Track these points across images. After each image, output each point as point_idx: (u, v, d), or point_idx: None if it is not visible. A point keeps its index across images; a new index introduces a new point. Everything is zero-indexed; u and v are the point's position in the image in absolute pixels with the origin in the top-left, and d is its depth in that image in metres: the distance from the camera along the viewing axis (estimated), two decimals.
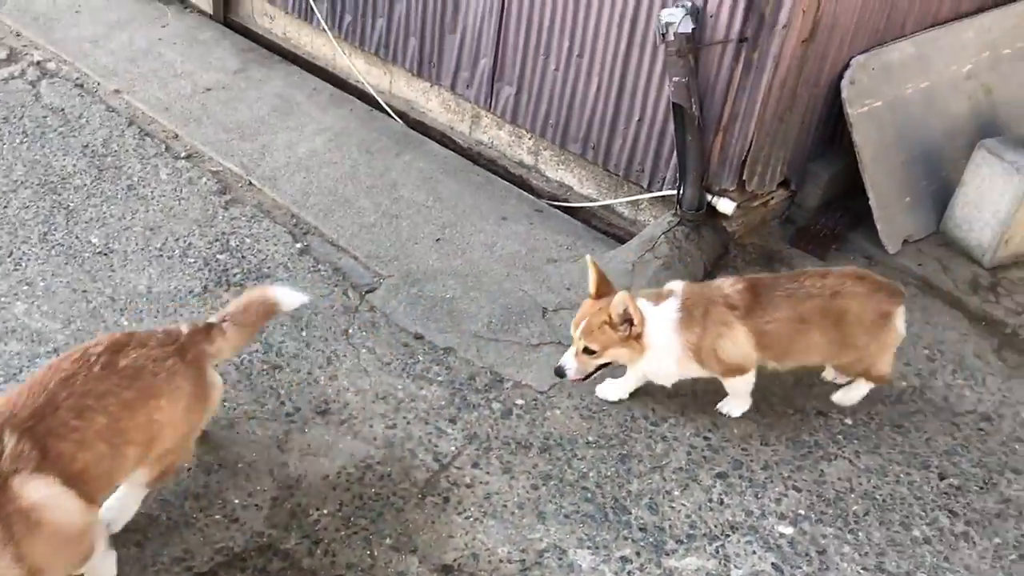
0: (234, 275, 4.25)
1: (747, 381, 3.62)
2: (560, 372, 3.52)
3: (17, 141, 4.96)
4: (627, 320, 3.37)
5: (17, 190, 4.62)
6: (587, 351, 3.45)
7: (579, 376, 3.52)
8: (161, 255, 4.33)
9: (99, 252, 4.31)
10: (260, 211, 4.67)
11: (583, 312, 3.48)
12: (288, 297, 3.31)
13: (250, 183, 4.86)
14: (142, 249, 4.35)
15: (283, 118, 5.36)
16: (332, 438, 3.52)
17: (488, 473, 3.45)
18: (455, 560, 3.14)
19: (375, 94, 5.55)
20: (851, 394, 3.81)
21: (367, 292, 4.26)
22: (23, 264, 4.19)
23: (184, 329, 3.07)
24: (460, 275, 4.38)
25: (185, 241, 4.42)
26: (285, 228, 4.58)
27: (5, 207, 4.50)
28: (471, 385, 3.80)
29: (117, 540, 3.03)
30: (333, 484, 3.35)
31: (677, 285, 3.56)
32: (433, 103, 5.43)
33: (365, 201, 4.80)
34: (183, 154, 5.02)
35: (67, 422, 2.63)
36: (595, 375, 3.57)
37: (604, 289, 3.47)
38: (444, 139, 5.36)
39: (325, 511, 3.25)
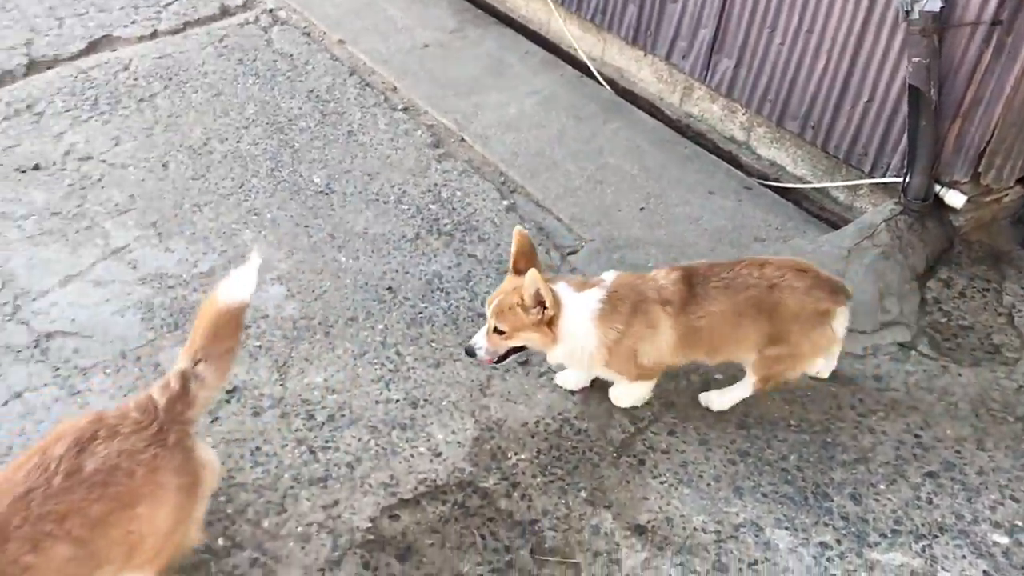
0: (444, 225, 4.37)
1: (647, 388, 3.43)
2: (470, 351, 3.25)
3: (250, 82, 5.25)
4: (540, 303, 3.09)
5: (249, 127, 4.90)
6: (498, 331, 3.19)
7: (490, 357, 3.25)
8: (377, 199, 4.49)
9: (320, 191, 4.51)
10: (470, 167, 4.77)
11: (500, 288, 3.22)
12: (238, 287, 2.65)
13: (462, 139, 4.97)
14: (360, 192, 4.53)
15: (495, 78, 5.45)
16: (531, 388, 3.56)
17: (684, 442, 3.42)
18: (649, 521, 3.13)
19: (587, 60, 5.56)
20: (730, 396, 3.51)
21: (569, 254, 4.29)
22: (252, 196, 4.44)
23: (159, 399, 2.49)
24: (663, 245, 4.34)
25: (400, 188, 4.57)
26: (493, 185, 4.66)
27: (238, 142, 4.78)
28: None
29: (331, 459, 3.19)
30: (532, 432, 3.40)
31: (609, 275, 3.26)
32: (645, 72, 5.39)
33: (571, 165, 4.83)
34: (400, 106, 5.18)
35: (18, 560, 2.12)
36: (509, 358, 3.31)
37: (526, 263, 3.14)
38: (653, 109, 5.31)
39: (523, 456, 3.30)
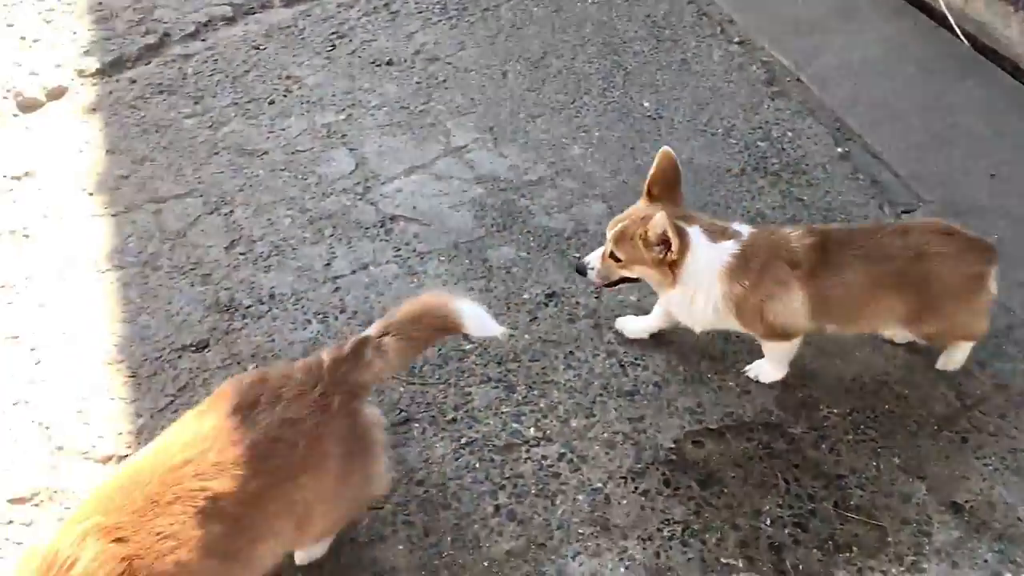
0: (772, 164, 4.24)
1: (789, 348, 3.15)
2: (580, 269, 3.14)
3: (589, 1, 5.30)
4: (665, 242, 2.89)
5: (584, 46, 4.97)
6: (614, 257, 3.04)
7: (600, 280, 3.13)
8: (705, 131, 4.43)
9: (649, 115, 4.52)
10: (805, 108, 4.58)
11: (628, 211, 3.06)
12: (477, 321, 2.55)
13: (798, 79, 4.77)
14: (688, 121, 4.48)
15: (842, 21, 5.16)
16: (850, 345, 3.42)
17: (1016, 428, 3.16)
18: (967, 501, 2.94)
19: (945, 10, 5.13)
20: (955, 357, 3.25)
21: (903, 212, 4.04)
22: (583, 113, 4.52)
23: (325, 358, 2.42)
24: (1013, 218, 3.98)
25: (729, 122, 4.48)
26: (828, 130, 4.46)
27: (573, 59, 4.86)
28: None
29: (640, 376, 3.25)
30: (846, 388, 3.28)
31: (744, 228, 3.05)
32: (1013, 30, 4.90)
33: (915, 120, 4.51)
34: (736, 39, 5.05)
35: (169, 535, 2.06)
36: (619, 285, 3.19)
37: (663, 190, 3.01)
38: (1017, 71, 4.83)
39: (835, 411, 3.20)
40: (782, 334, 3.09)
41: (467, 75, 4.74)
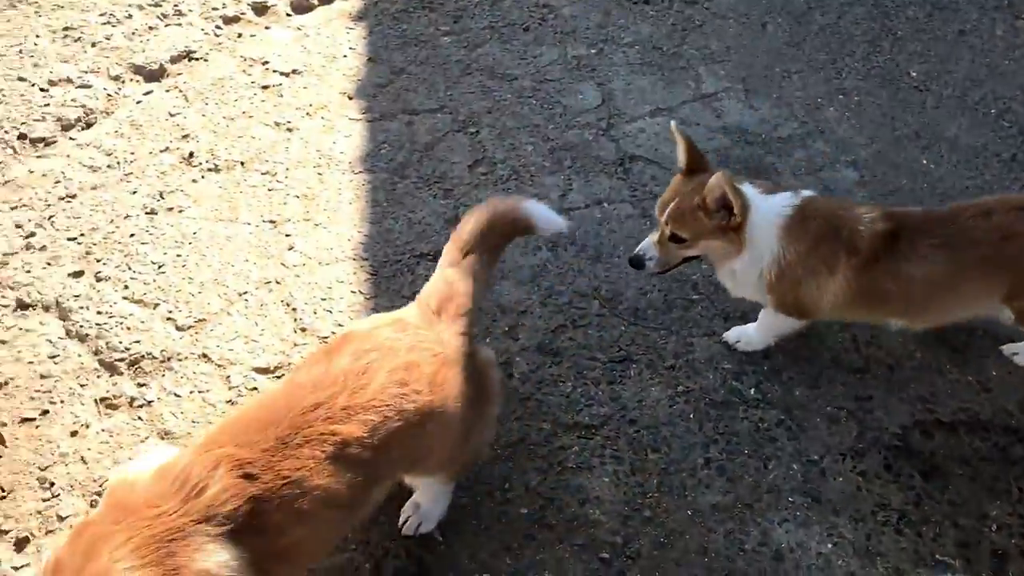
0: None
1: (792, 325, 3.00)
2: (637, 262, 2.89)
3: None
4: (725, 206, 2.67)
5: (853, 5, 4.71)
6: (675, 239, 2.80)
7: (660, 268, 2.92)
8: (976, 109, 4.12)
9: (915, 86, 4.25)
10: None
11: (672, 191, 2.84)
12: (545, 217, 2.62)
13: None
14: (958, 96, 4.18)
15: None
16: None
17: None
18: None
19: None
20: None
21: None
22: (843, 74, 4.30)
23: (431, 301, 2.41)
24: None
25: (1004, 103, 4.15)
26: None
27: (840, 17, 4.63)
28: None
29: (872, 355, 3.11)
30: None
31: (806, 191, 2.83)
32: None
33: None
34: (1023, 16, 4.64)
35: (296, 479, 2.05)
36: (676, 268, 2.99)
37: (697, 164, 2.82)
38: None
39: None
40: (798, 312, 2.92)
41: (724, 22, 4.61)
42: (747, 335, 3.14)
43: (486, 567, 2.60)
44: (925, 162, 3.88)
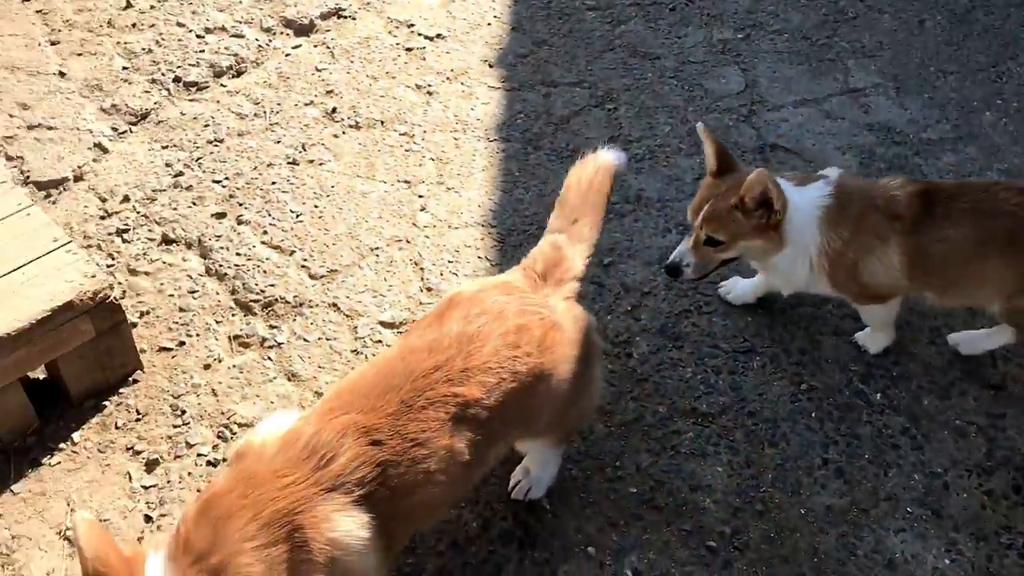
0: None
1: (887, 311, 2.91)
2: (674, 270, 2.81)
3: None
4: (764, 203, 2.61)
5: (1020, 7, 4.48)
6: (711, 242, 2.73)
7: (697, 275, 2.84)
8: None
9: None
10: None
11: (704, 193, 2.77)
12: (618, 158, 2.70)
13: None
14: None
15: None
16: None
17: None
18: None
19: None
20: (989, 341, 2.99)
21: None
22: (1004, 78, 4.14)
23: (538, 267, 2.42)
24: None
25: None
26: None
27: (1006, 18, 4.44)
28: None
29: (1008, 372, 2.98)
30: None
31: (832, 171, 2.81)
32: None
33: None
34: None
35: (420, 441, 2.07)
36: (712, 274, 2.92)
37: (727, 164, 2.76)
38: None
39: None
40: (876, 295, 2.83)
41: (879, 16, 4.45)
42: (869, 337, 3.07)
43: (591, 540, 2.61)
44: None
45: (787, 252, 2.77)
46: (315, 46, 4.28)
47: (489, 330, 2.21)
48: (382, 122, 3.92)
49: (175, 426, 2.89)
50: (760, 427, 2.89)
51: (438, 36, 4.35)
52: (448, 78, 4.14)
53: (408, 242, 3.45)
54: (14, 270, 2.75)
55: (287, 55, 4.22)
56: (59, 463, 2.77)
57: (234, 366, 3.05)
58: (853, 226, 2.72)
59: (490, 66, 4.21)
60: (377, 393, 2.09)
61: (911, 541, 2.62)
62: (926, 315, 3.18)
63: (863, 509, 2.69)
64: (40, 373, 2.93)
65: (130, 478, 2.76)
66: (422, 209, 3.57)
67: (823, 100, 4.00)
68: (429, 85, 4.10)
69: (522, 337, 2.23)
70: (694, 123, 3.81)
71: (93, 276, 2.76)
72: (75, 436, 2.84)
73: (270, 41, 4.27)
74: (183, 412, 2.92)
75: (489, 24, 4.42)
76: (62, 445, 2.82)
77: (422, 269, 3.35)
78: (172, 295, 3.26)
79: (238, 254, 3.38)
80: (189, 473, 2.77)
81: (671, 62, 4.21)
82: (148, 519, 2.66)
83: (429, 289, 3.28)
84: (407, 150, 3.81)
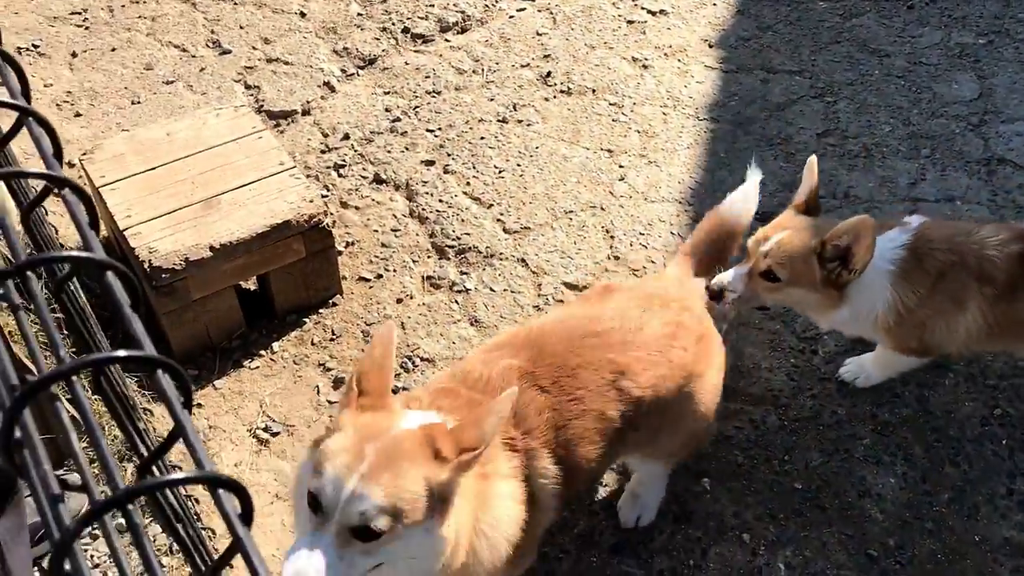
0: None
1: (914, 364, 2.69)
2: (717, 293, 2.49)
3: None
4: (844, 257, 2.31)
5: None
6: (768, 276, 2.42)
7: (739, 306, 2.57)
8: None
9: None
10: None
11: (780, 223, 2.48)
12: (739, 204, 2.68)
13: None
14: None
15: None
16: None
17: None
18: None
19: None
20: None
21: None
22: None
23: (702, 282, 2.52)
24: None
25: None
26: None
27: None
28: None
29: None
30: None
31: (915, 219, 2.46)
32: None
33: None
34: None
35: (578, 399, 2.07)
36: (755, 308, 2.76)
37: (815, 203, 2.50)
38: None
39: None
40: (923, 353, 2.58)
41: None
42: (865, 371, 2.82)
43: (748, 527, 2.58)
44: None
45: (845, 311, 2.47)
46: (539, 11, 4.36)
47: (651, 315, 2.23)
48: (593, 90, 3.97)
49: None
50: (943, 444, 2.75)
51: (661, 11, 4.34)
52: (666, 54, 4.13)
53: (602, 209, 3.49)
54: (243, 185, 2.99)
55: (511, 16, 4.33)
56: (258, 367, 3.01)
57: (423, 304, 3.19)
58: (931, 285, 2.40)
59: (710, 46, 4.16)
60: (537, 348, 2.12)
61: None
62: None
63: None
64: (252, 285, 3.17)
65: (318, 391, 2.96)
66: (621, 179, 3.59)
67: None
68: (646, 59, 4.10)
69: (681, 331, 2.24)
70: (916, 127, 3.66)
71: (311, 201, 2.96)
72: (275, 346, 3.07)
73: (496, 2, 4.39)
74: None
75: (715, 4, 4.37)
76: (262, 352, 3.05)
77: (612, 237, 3.38)
78: (376, 231, 3.44)
79: (440, 201, 3.52)
80: None
81: (901, 61, 4.02)
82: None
83: (616, 258, 3.31)
84: (614, 120, 3.84)
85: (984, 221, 2.89)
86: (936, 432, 2.78)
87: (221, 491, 0.64)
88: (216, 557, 0.64)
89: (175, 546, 2.32)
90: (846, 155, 3.62)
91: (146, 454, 1.46)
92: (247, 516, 0.65)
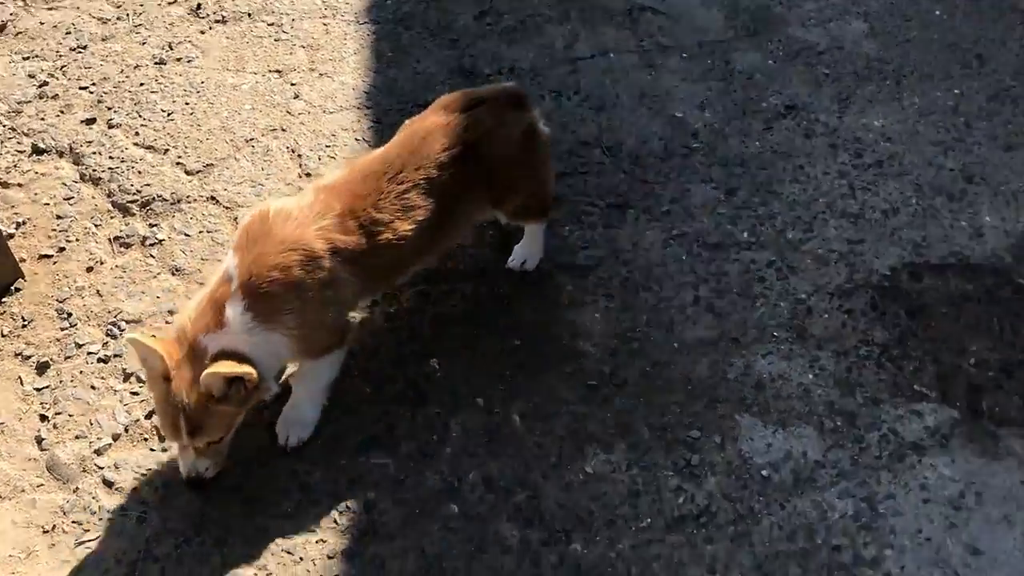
0: None
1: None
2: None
3: None
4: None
5: None
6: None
7: None
8: None
9: None
10: None
11: None
12: None
13: None
14: None
15: None
16: None
17: None
18: None
19: None
20: None
21: None
22: None
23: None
24: None
25: None
26: None
27: None
28: None
29: (868, 201, 3.14)
30: None
31: None
32: None
33: None
34: None
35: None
36: None
37: None
38: None
39: None
40: None
41: None
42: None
43: (480, 392, 2.73)
44: (939, 12, 3.82)
45: None
46: None
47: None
48: (249, 14, 3.86)
49: (62, 328, 2.90)
50: (634, 274, 3.01)
51: None
52: None
53: (283, 130, 3.44)
54: None
55: None
56: None
57: (117, 266, 3.05)
58: None
59: None
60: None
61: (777, 362, 2.80)
62: (790, 155, 3.32)
63: (733, 339, 2.85)
64: None
65: (21, 382, 2.78)
66: (295, 97, 3.56)
67: None
68: None
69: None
70: None
71: None
72: None
73: None
74: (69, 315, 2.93)
75: None
76: None
77: (299, 156, 3.36)
78: (47, 203, 3.22)
79: (111, 157, 3.34)
80: (80, 371, 2.80)
81: None
82: (44, 418, 2.70)
83: (307, 175, 3.30)
84: (276, 40, 3.77)
85: None
86: (627, 265, 3.04)
87: None
88: None
89: None
90: (504, 31, 3.77)
91: None
92: None
